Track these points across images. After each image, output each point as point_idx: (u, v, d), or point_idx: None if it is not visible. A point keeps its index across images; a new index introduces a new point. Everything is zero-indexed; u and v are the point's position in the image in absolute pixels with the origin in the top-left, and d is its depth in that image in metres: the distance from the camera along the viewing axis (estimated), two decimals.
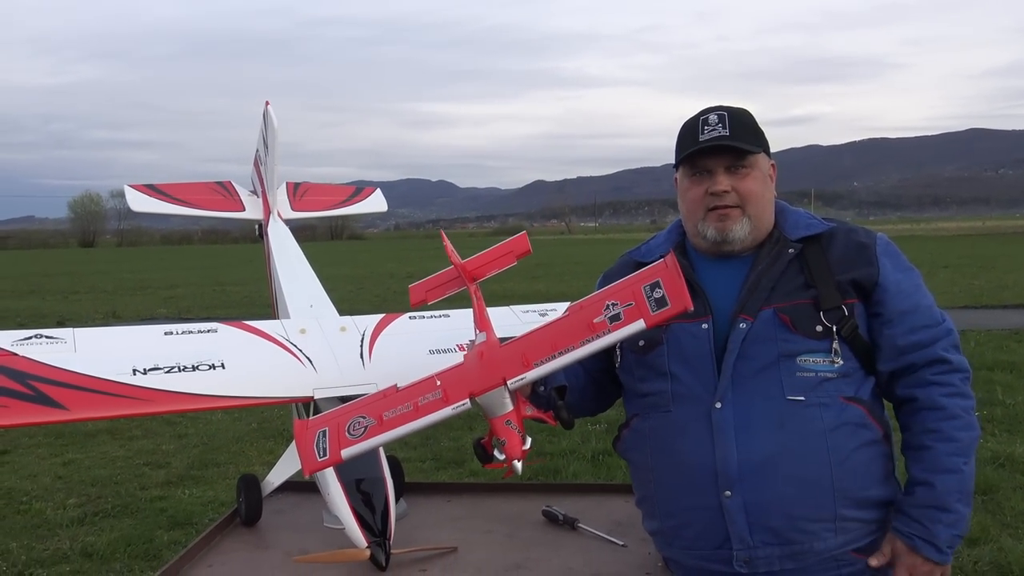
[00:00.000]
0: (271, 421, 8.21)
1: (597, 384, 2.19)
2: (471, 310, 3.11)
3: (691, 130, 1.97)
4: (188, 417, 8.63)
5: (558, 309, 3.10)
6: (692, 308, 1.76)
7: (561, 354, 1.81)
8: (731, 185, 1.93)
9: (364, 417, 1.88)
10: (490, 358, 1.89)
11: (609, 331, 1.79)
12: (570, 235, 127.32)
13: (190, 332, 2.64)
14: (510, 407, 1.83)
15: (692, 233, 2.04)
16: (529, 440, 1.85)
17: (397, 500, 2.62)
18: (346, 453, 1.85)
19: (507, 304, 3.19)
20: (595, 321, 1.81)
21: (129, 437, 7.94)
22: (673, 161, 2.04)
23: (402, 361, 2.67)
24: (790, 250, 1.93)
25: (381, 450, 2.51)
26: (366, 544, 2.26)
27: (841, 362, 1.85)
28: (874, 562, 1.90)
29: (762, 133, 2.00)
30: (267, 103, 3.41)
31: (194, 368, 2.45)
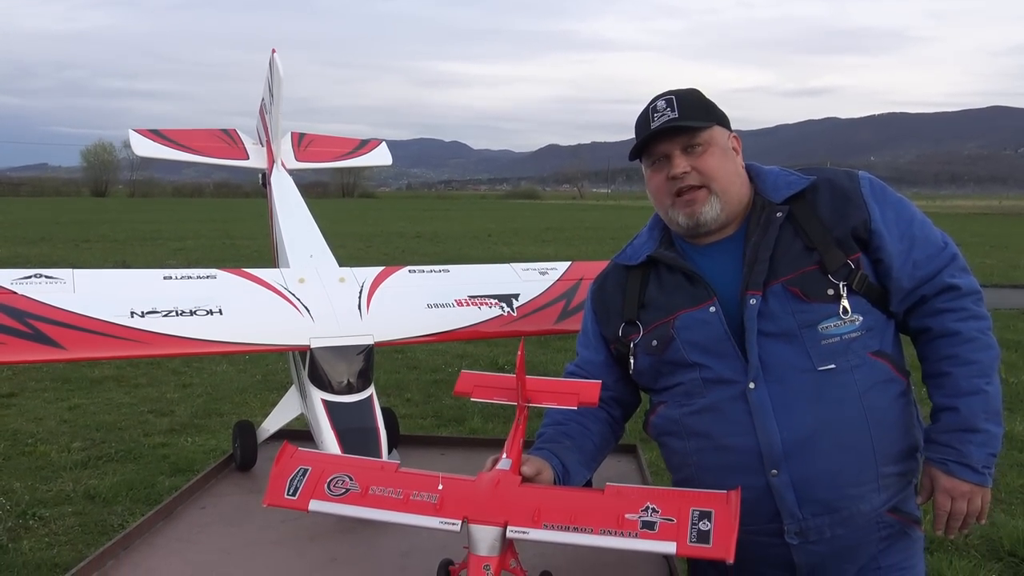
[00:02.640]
0: (275, 374, 8.28)
1: (620, 394, 2.12)
2: (472, 266, 3.12)
3: (643, 120, 1.95)
4: (193, 367, 8.73)
5: (558, 268, 3.09)
6: (732, 560, 1.58)
7: (575, 530, 1.63)
8: (690, 165, 1.90)
9: (350, 479, 1.75)
10: (503, 493, 1.71)
11: (636, 536, 1.61)
12: (582, 200, 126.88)
13: (189, 277, 2.65)
14: (497, 552, 1.65)
15: (668, 221, 2.01)
16: None
17: (391, 451, 2.64)
18: (314, 506, 1.73)
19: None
20: (627, 517, 1.64)
21: (135, 385, 8.04)
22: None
23: (400, 314, 2.68)
24: (778, 214, 1.90)
25: (376, 400, 2.52)
26: None
27: (860, 318, 1.84)
28: (920, 499, 1.92)
29: (715, 107, 1.97)
30: (273, 51, 3.39)
31: (192, 313, 2.46)
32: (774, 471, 1.83)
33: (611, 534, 1.61)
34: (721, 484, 1.81)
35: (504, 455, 1.83)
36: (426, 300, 2.75)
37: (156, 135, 3.70)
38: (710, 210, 1.91)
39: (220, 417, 6.91)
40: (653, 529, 1.60)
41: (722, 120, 1.96)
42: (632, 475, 2.68)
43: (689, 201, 1.91)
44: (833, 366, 1.82)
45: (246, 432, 2.68)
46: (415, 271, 2.91)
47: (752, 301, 1.84)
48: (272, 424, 2.73)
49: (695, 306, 1.90)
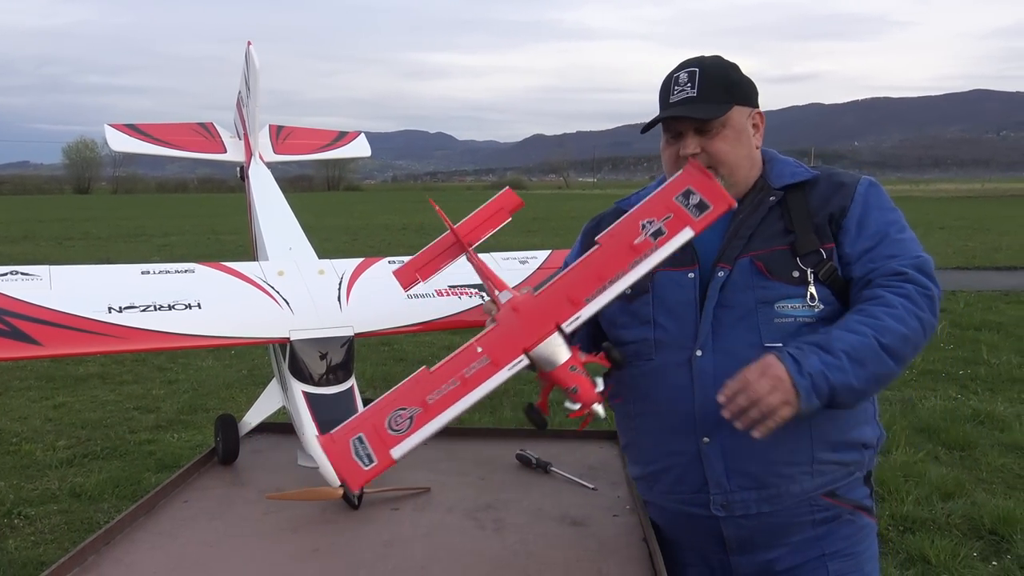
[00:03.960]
0: (261, 368, 8.26)
1: (592, 339, 2.13)
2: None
3: (664, 89, 1.95)
4: (179, 363, 8.69)
5: (538, 256, 3.10)
6: (736, 204, 1.77)
7: (612, 283, 1.72)
8: (701, 146, 1.90)
9: (404, 408, 1.71)
10: (531, 309, 1.78)
11: (656, 248, 1.73)
12: (568, 190, 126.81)
13: (167, 272, 2.64)
14: (568, 354, 1.73)
15: None
16: (600, 380, 1.76)
17: None
18: (397, 452, 1.68)
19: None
20: (636, 242, 1.74)
21: (120, 382, 8.01)
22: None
23: (379, 305, 2.67)
24: (771, 198, 1.93)
25: (357, 391, 2.53)
26: (339, 483, 2.28)
27: (821, 306, 1.83)
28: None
29: (739, 84, 1.95)
30: (249, 44, 3.37)
31: (170, 307, 2.45)
32: (706, 438, 1.86)
33: (639, 262, 1.73)
34: (658, 448, 1.95)
35: (497, 292, 1.89)
36: (406, 291, 2.74)
37: (132, 130, 3.68)
38: None
39: (206, 413, 6.88)
40: (664, 233, 1.74)
41: (745, 97, 1.95)
42: (613, 460, 2.69)
43: None
44: (780, 345, 1.80)
45: (228, 426, 2.68)
46: (395, 262, 2.91)
47: (720, 273, 1.88)
48: (254, 417, 2.73)
49: (677, 267, 1.91)
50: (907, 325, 1.74)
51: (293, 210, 3.21)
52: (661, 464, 1.98)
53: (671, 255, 1.77)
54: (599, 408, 1.74)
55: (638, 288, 1.92)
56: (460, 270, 2.94)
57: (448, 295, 2.78)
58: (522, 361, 1.71)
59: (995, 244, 21.32)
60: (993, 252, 19.29)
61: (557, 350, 1.73)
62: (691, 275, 1.91)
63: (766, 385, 1.68)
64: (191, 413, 6.92)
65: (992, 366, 7.93)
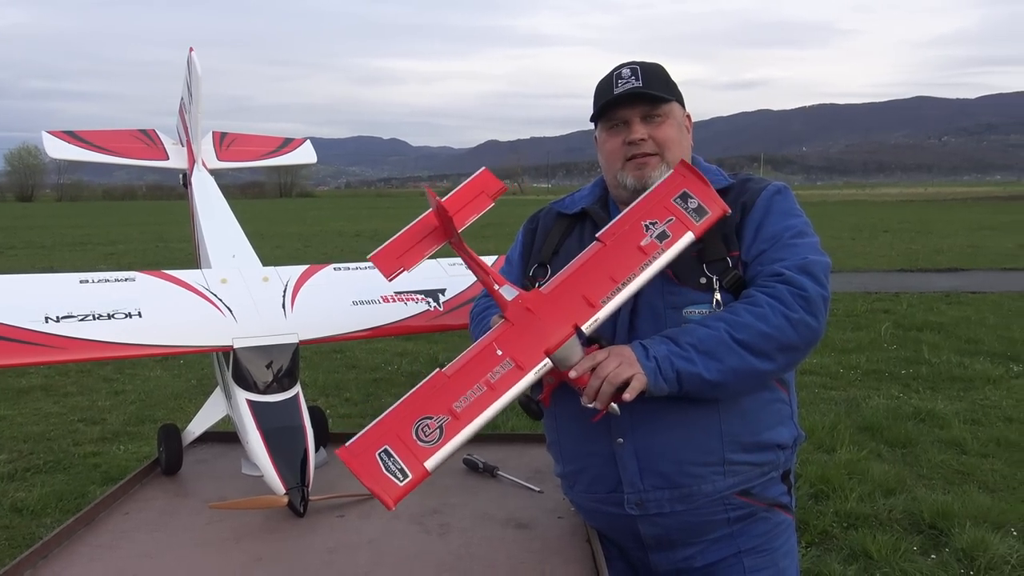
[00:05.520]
0: (210, 377, 8.11)
1: None
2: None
3: (606, 85, 2.01)
4: (125, 373, 8.52)
5: (488, 260, 3.10)
6: (731, 211, 1.83)
7: (624, 284, 1.75)
8: (647, 133, 1.97)
9: (430, 417, 1.65)
10: (547, 309, 1.76)
11: (662, 250, 1.76)
12: (523, 196, 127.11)
13: (107, 280, 2.60)
14: (583, 354, 1.75)
15: (612, 184, 2.07)
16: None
17: (319, 449, 2.64)
18: (431, 463, 1.61)
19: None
20: (643, 244, 1.77)
21: (64, 393, 7.82)
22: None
23: (324, 312, 2.67)
24: None
25: (302, 399, 2.51)
26: (284, 491, 2.28)
27: None
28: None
29: (675, 85, 2.05)
30: (191, 50, 3.34)
31: (109, 316, 2.41)
32: (620, 439, 1.91)
33: (648, 264, 1.76)
34: (577, 448, 2.00)
35: (497, 287, 1.83)
36: (352, 297, 2.74)
37: (71, 137, 3.61)
38: (658, 176, 1.96)
39: (154, 423, 6.75)
40: (668, 236, 1.78)
41: (680, 98, 2.04)
42: None
43: (640, 164, 1.97)
44: None
45: (171, 436, 2.65)
46: (340, 268, 2.91)
47: None
48: (197, 427, 2.70)
49: None
50: (768, 323, 1.76)
51: (245, 217, 3.18)
52: (579, 464, 2.03)
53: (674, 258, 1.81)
54: (616, 406, 1.75)
55: None
56: (406, 276, 2.95)
57: (394, 301, 2.78)
58: (546, 365, 1.71)
59: (937, 246, 21.91)
60: (935, 254, 19.82)
61: (574, 350, 1.75)
62: None
63: (614, 361, 1.73)
64: (138, 424, 6.80)
65: (933, 365, 8.15)
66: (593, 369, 1.74)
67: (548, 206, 2.25)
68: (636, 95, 1.95)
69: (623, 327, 1.93)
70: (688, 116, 2.07)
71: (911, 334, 9.77)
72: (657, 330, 1.87)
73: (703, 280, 1.88)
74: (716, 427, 1.89)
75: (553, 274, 1.98)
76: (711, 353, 1.76)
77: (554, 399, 2.02)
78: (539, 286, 1.89)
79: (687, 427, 1.89)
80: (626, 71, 1.99)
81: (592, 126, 2.12)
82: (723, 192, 1.96)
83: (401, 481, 1.59)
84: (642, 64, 2.01)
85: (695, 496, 1.92)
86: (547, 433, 2.18)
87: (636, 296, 1.87)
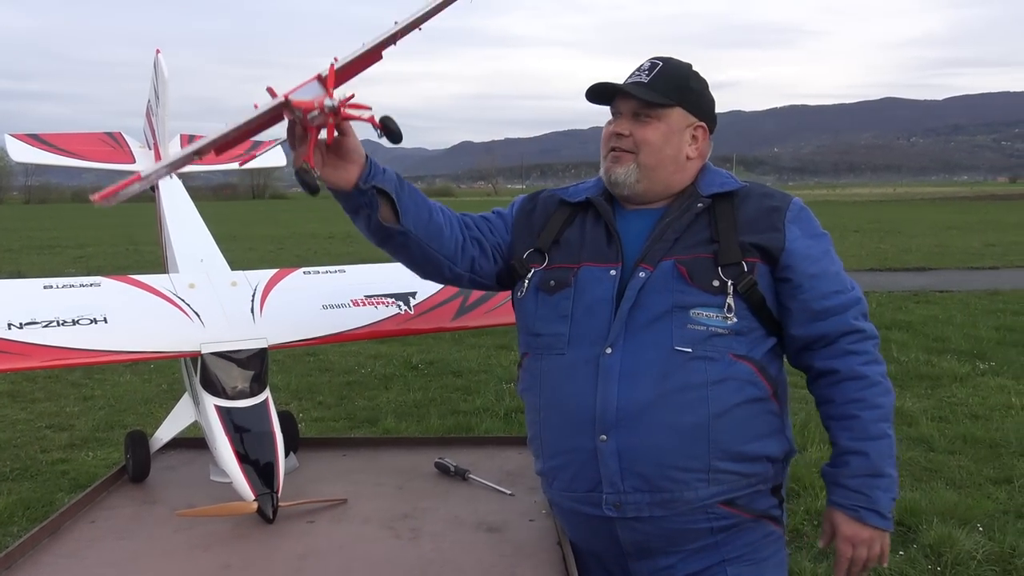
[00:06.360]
0: (181, 382, 8.05)
1: (477, 255, 2.09)
2: (369, 266, 3.07)
3: (629, 73, 2.01)
4: (95, 379, 8.41)
5: (346, 269, 2.99)
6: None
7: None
8: (631, 130, 1.95)
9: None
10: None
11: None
12: (497, 196, 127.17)
13: (71, 286, 2.56)
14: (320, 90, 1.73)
15: (602, 172, 2.05)
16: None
17: (289, 454, 2.62)
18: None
19: None
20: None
21: (31, 400, 7.70)
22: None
23: (294, 316, 2.65)
24: (699, 204, 1.94)
25: (271, 404, 2.50)
26: (253, 497, 2.26)
27: (735, 320, 1.84)
28: (821, 543, 2.00)
29: (693, 92, 2.00)
30: (157, 51, 3.30)
31: (74, 322, 2.38)
32: (603, 436, 1.85)
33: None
34: (560, 444, 1.95)
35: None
36: (321, 301, 2.73)
37: (35, 140, 3.57)
38: (625, 173, 1.95)
39: (123, 429, 6.65)
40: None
41: (694, 106, 1.99)
42: (531, 466, 2.72)
43: (615, 158, 1.96)
44: (689, 350, 1.83)
45: (138, 442, 2.62)
46: (310, 272, 2.89)
47: (641, 274, 1.88)
48: (165, 433, 2.67)
49: (601, 263, 1.93)
50: (889, 394, 1.93)
51: (217, 219, 3.16)
52: (560, 460, 1.97)
53: None
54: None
55: (561, 281, 1.95)
56: (376, 279, 2.93)
57: (364, 304, 2.77)
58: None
59: (906, 246, 22.23)
60: (904, 254, 20.10)
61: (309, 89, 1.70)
62: (612, 272, 1.91)
63: (863, 552, 1.89)
64: (107, 430, 6.71)
65: (901, 364, 8.25)
66: (851, 565, 1.91)
67: (548, 191, 2.19)
68: (631, 91, 1.94)
69: (620, 320, 1.87)
70: (702, 126, 2.02)
71: (880, 333, 9.86)
72: (657, 328, 1.85)
73: (716, 283, 1.85)
74: (704, 433, 1.83)
75: (550, 263, 2.00)
76: (895, 457, 1.92)
77: (537, 391, 1.99)
78: (533, 272, 1.99)
79: (675, 429, 1.83)
80: (646, 64, 1.98)
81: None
82: (738, 196, 1.96)
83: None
84: (666, 61, 1.99)
85: (676, 502, 1.86)
86: (529, 427, 2.09)
87: (640, 290, 1.86)
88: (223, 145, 1.77)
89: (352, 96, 1.70)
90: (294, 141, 1.78)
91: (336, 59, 1.72)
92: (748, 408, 1.88)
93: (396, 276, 2.97)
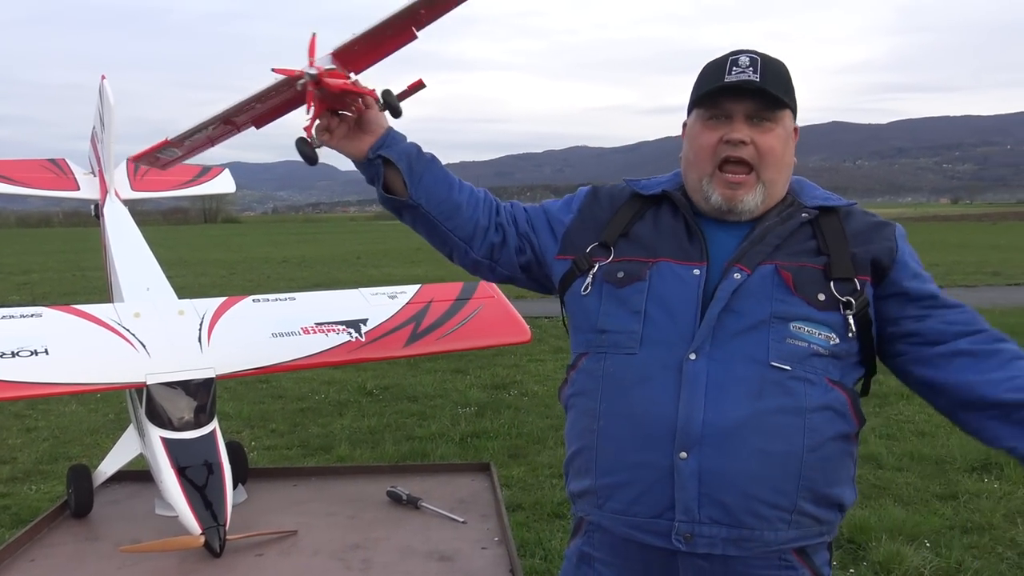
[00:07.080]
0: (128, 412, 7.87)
1: (497, 243, 1.89)
2: (320, 293, 3.06)
3: (716, 69, 1.70)
4: (38, 409, 8.18)
5: (407, 291, 3.11)
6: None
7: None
8: (751, 136, 1.67)
9: None
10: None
11: None
12: None
13: (11, 317, 2.50)
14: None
15: (693, 189, 1.76)
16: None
17: (238, 486, 2.58)
18: None
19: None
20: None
21: None
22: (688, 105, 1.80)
23: (242, 345, 2.62)
24: (803, 214, 1.72)
25: (219, 434, 2.46)
26: (200, 531, 2.22)
27: (837, 340, 1.63)
28: None
29: (794, 91, 1.74)
30: (103, 77, 3.27)
31: (13, 354, 2.33)
32: (683, 453, 1.58)
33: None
34: (622, 457, 1.66)
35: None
36: (271, 329, 2.70)
37: None
38: (752, 199, 1.70)
39: (68, 461, 6.48)
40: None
41: (795, 107, 1.75)
42: (484, 493, 2.71)
43: (734, 184, 1.69)
44: (789, 368, 1.60)
45: (80, 476, 2.56)
46: (259, 300, 2.86)
47: (736, 275, 1.65)
48: (109, 466, 2.62)
49: (682, 261, 1.70)
50: None
51: (168, 244, 3.13)
52: (621, 476, 1.66)
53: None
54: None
55: (632, 274, 1.72)
56: (327, 306, 2.92)
57: (315, 332, 2.75)
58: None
59: None
60: None
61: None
62: (696, 271, 1.68)
63: None
64: (51, 462, 6.52)
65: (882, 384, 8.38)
66: None
67: (621, 182, 1.93)
68: (751, 89, 1.66)
69: (708, 324, 1.63)
70: (796, 130, 1.78)
71: None
72: (752, 338, 1.62)
73: (822, 296, 1.64)
74: (796, 466, 1.59)
75: (616, 256, 1.76)
76: None
77: (598, 395, 1.71)
78: (598, 267, 1.76)
79: (767, 458, 1.58)
80: (744, 59, 1.68)
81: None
82: (843, 212, 1.76)
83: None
84: (763, 56, 1.69)
85: (753, 542, 1.60)
86: (576, 436, 1.76)
87: (734, 293, 1.64)
88: (253, 115, 1.93)
89: (333, 69, 1.76)
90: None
91: (314, 33, 1.78)
92: (837, 445, 1.65)
93: (347, 303, 2.97)
